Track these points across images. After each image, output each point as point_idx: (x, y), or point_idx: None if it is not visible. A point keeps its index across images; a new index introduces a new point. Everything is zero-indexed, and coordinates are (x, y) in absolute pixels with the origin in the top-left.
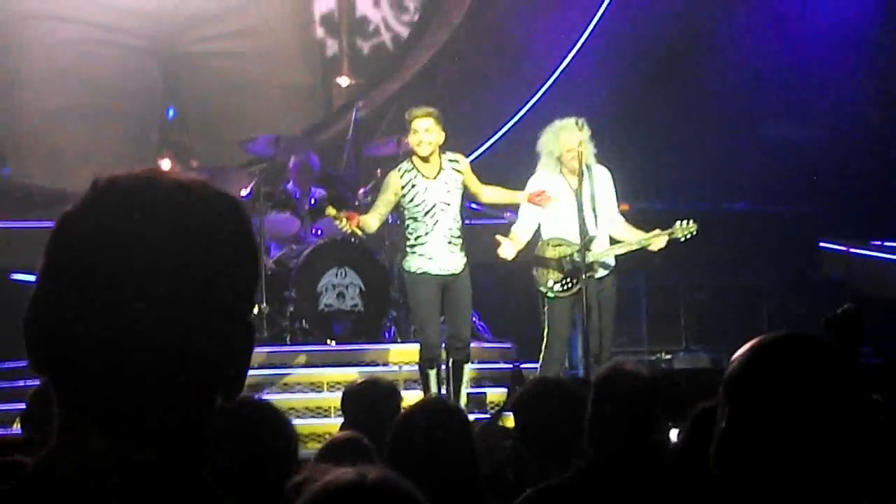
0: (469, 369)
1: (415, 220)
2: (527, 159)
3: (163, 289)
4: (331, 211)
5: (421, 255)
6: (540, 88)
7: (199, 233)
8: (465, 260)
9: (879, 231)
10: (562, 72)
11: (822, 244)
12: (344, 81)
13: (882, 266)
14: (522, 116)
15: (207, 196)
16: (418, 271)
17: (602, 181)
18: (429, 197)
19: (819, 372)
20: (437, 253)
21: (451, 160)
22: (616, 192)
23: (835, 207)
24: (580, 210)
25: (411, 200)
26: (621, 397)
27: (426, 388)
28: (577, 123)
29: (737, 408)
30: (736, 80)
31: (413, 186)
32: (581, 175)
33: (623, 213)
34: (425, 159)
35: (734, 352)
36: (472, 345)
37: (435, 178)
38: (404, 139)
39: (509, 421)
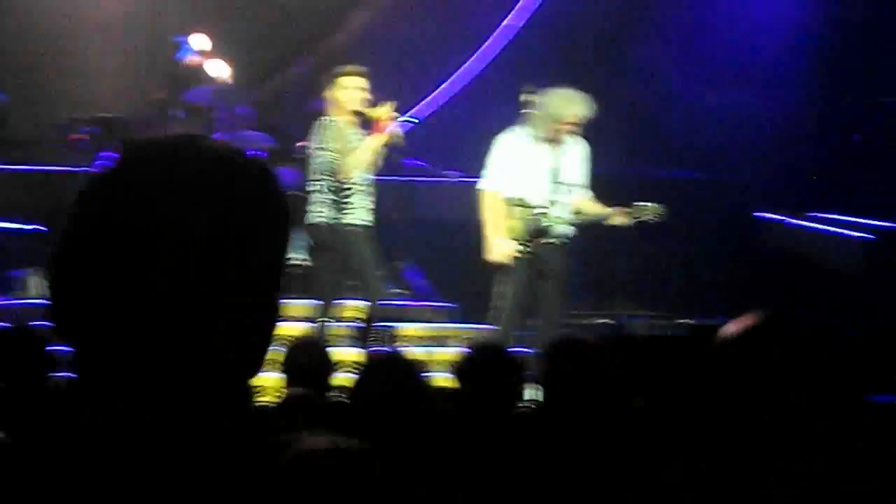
0: None
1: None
2: (472, 121)
3: (192, 259)
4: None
5: (360, 206)
6: (482, 53)
7: (233, 205)
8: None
9: (817, 202)
10: (506, 38)
11: (758, 214)
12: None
13: (818, 237)
14: (466, 83)
15: (242, 165)
16: (362, 223)
17: (577, 152)
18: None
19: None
20: (367, 202)
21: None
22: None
23: (772, 177)
24: (551, 175)
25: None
26: (575, 368)
27: (378, 342)
28: (587, 101)
29: None
30: (673, 47)
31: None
32: (558, 146)
33: None
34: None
35: (671, 319)
36: (420, 304)
37: (357, 128)
38: None
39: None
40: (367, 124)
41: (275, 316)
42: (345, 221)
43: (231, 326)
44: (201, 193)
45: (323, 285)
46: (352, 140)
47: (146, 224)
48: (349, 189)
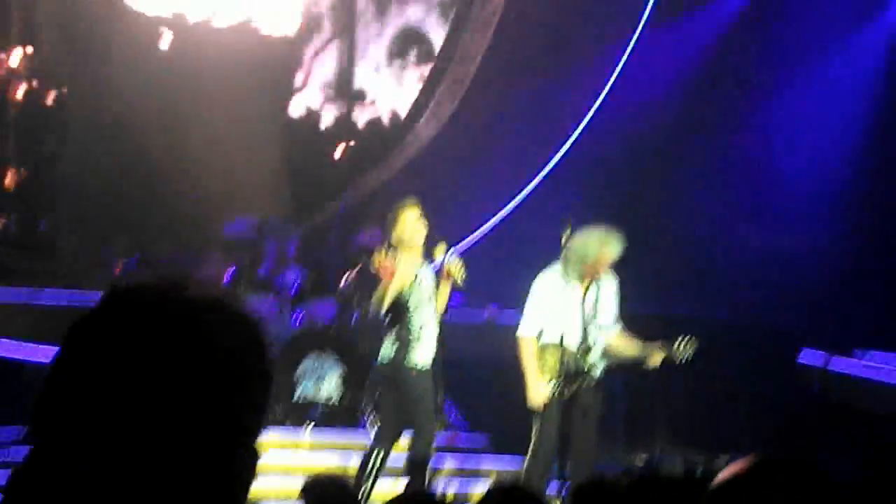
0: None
1: (416, 308)
2: (510, 255)
3: (168, 407)
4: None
5: (423, 345)
6: (526, 186)
7: (213, 355)
8: None
9: (861, 343)
10: (548, 170)
11: (801, 355)
12: None
13: (861, 379)
14: (506, 216)
15: (227, 316)
16: (423, 366)
17: (608, 288)
18: (427, 285)
19: None
20: (432, 342)
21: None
22: (621, 300)
23: (815, 319)
24: (586, 315)
25: (419, 285)
26: None
27: (422, 483)
28: (620, 240)
29: None
30: (718, 189)
31: (416, 274)
32: (592, 284)
33: None
34: (414, 249)
35: (709, 459)
36: (456, 440)
37: (423, 267)
38: None
39: None
40: (432, 257)
41: (250, 460)
42: (409, 360)
43: (200, 474)
44: (179, 346)
45: (382, 421)
46: (424, 276)
47: (120, 367)
48: (421, 328)
